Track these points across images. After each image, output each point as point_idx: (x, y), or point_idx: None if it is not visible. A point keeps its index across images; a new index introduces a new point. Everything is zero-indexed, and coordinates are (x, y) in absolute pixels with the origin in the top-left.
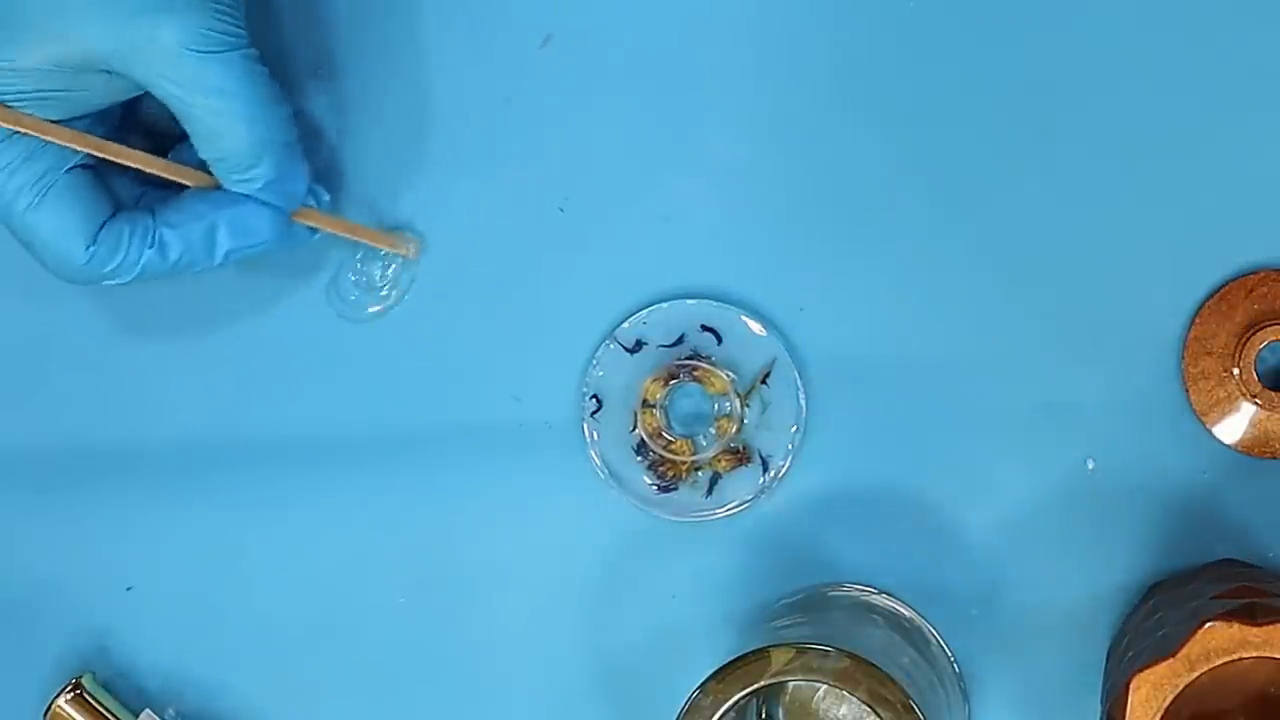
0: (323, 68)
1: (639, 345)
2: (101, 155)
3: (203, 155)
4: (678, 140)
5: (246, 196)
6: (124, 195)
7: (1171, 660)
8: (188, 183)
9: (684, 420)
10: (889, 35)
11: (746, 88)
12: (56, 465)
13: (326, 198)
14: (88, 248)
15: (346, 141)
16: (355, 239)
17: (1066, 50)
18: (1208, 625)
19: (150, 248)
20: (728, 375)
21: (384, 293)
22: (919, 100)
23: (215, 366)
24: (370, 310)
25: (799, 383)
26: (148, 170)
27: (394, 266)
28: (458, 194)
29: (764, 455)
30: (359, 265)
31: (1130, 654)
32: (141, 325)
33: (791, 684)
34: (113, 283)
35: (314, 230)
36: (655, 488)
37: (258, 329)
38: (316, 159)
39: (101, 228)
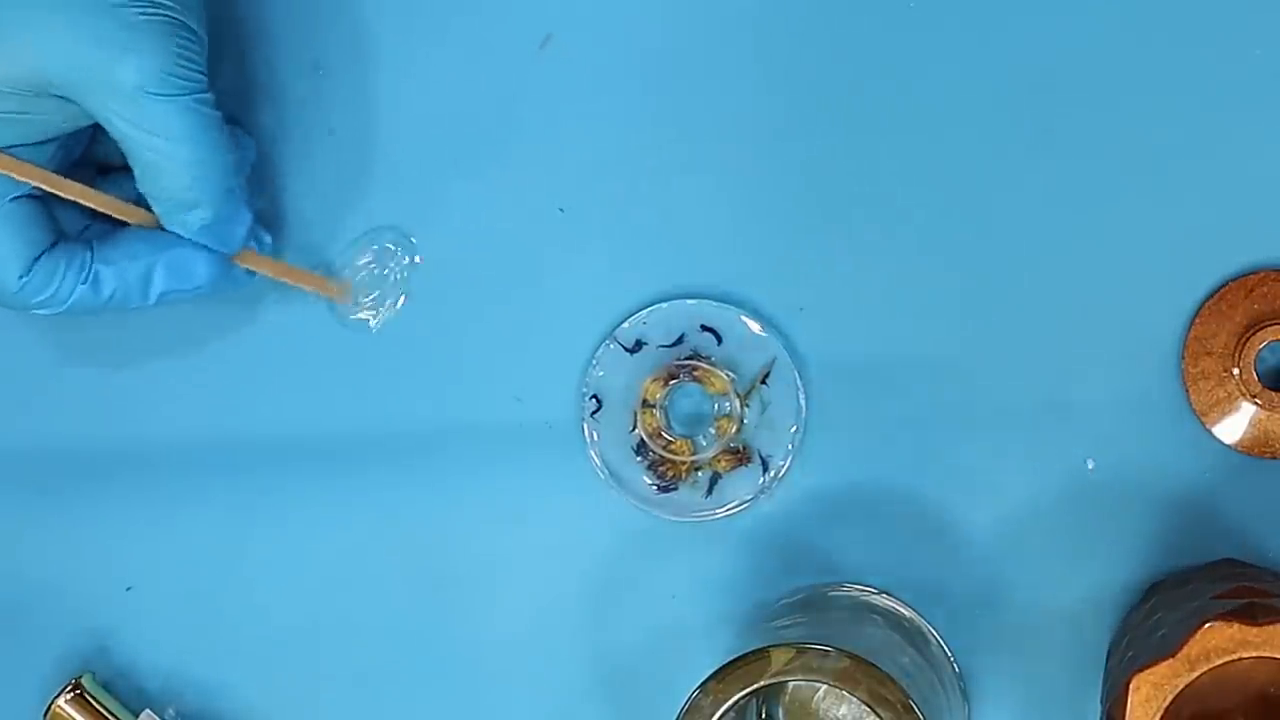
0: (321, 67)
1: (639, 345)
2: (48, 189)
3: (143, 190)
4: (678, 140)
5: (186, 239)
6: (68, 226)
7: (1171, 660)
8: (131, 221)
9: (684, 420)
10: (889, 35)
11: (747, 88)
12: (56, 466)
13: (268, 240)
14: (20, 277)
15: (344, 142)
16: (291, 283)
17: (1066, 51)
18: (1208, 625)
19: (84, 283)
20: (728, 375)
21: (381, 303)
22: (919, 100)
23: (216, 367)
24: (368, 318)
25: (799, 383)
26: (92, 206)
27: (392, 275)
28: (458, 194)
29: (764, 455)
30: (357, 270)
31: (1130, 654)
32: (142, 326)
33: (791, 684)
34: (43, 312)
35: (251, 273)
36: (655, 488)
37: (258, 330)
38: (315, 161)
39: (38, 258)
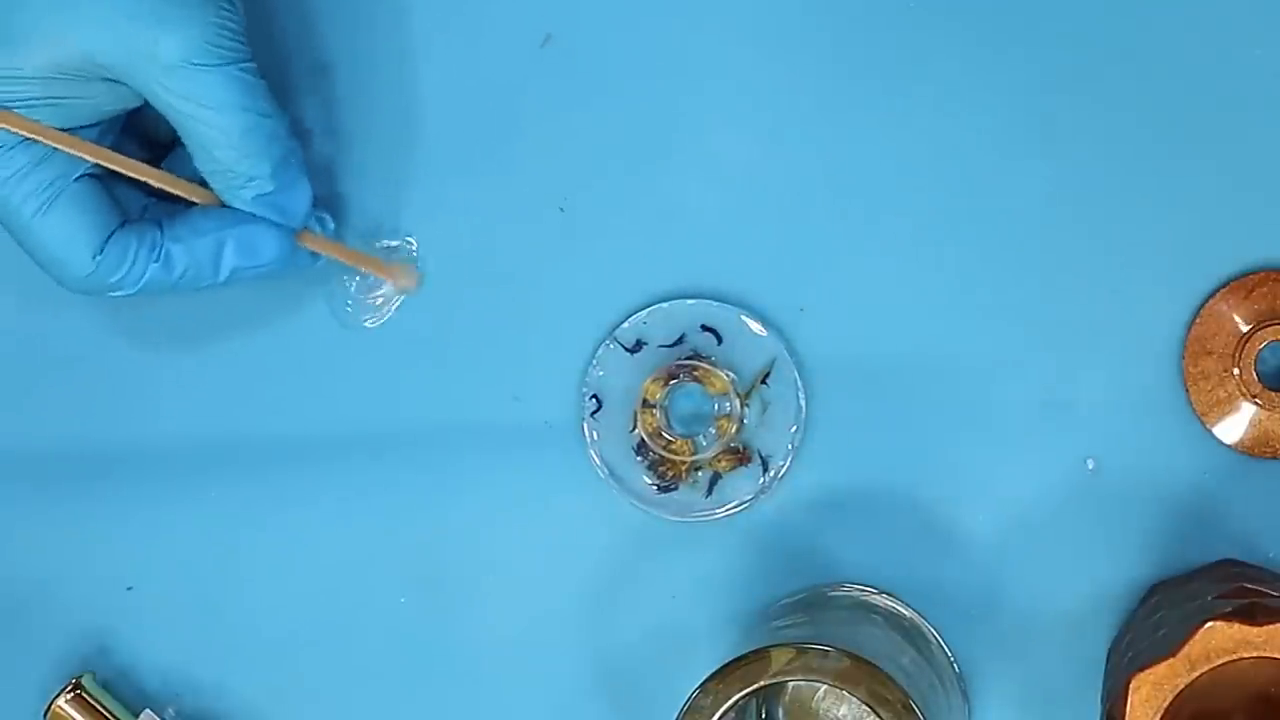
0: (321, 68)
1: (639, 345)
2: (112, 167)
3: (199, 166)
4: (678, 140)
5: (253, 216)
6: (129, 205)
7: (1171, 660)
8: (195, 199)
9: (684, 420)
10: (889, 34)
11: (747, 87)
12: (56, 465)
13: (331, 225)
14: (94, 257)
15: (345, 142)
16: (353, 265)
17: (1067, 50)
18: (1208, 625)
19: (156, 261)
20: (728, 375)
21: (380, 304)
22: (919, 99)
23: (215, 367)
24: (367, 321)
25: (799, 383)
26: (156, 184)
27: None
28: (458, 194)
29: (764, 455)
30: (356, 276)
31: (1130, 654)
32: (142, 326)
33: (791, 684)
34: (116, 294)
35: (316, 256)
36: (655, 488)
37: (258, 330)
38: (313, 164)
39: (109, 238)
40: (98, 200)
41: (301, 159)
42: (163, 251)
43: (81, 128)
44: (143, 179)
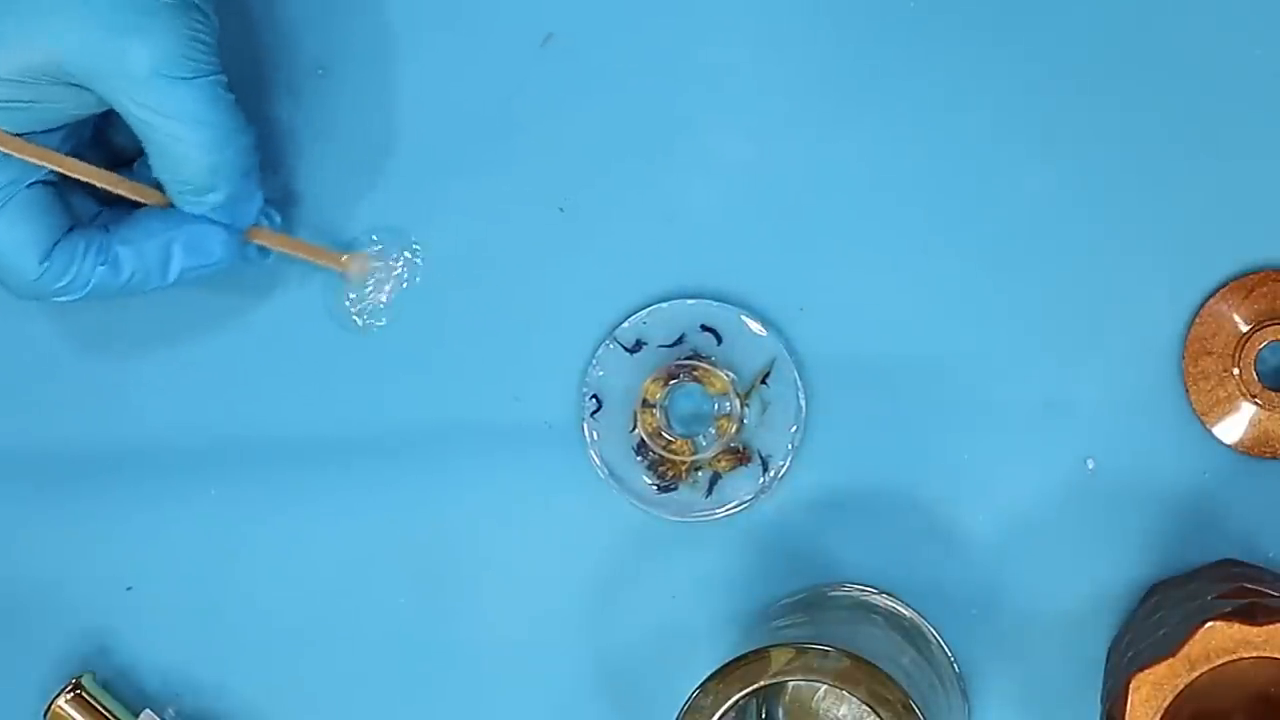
0: (321, 67)
1: (639, 345)
2: (61, 171)
3: (158, 176)
4: (678, 140)
5: (200, 216)
6: (82, 212)
7: (1171, 660)
8: (144, 200)
9: (684, 420)
10: (889, 34)
11: (747, 87)
12: (56, 465)
13: (278, 219)
14: (41, 263)
15: (345, 141)
16: (303, 257)
17: (1067, 50)
18: (1208, 625)
19: (103, 264)
20: (728, 375)
21: (381, 302)
22: (920, 99)
23: (215, 367)
24: (365, 323)
25: (799, 383)
26: (105, 187)
27: (391, 274)
28: (457, 194)
29: (764, 455)
30: (354, 276)
31: (1130, 654)
32: (142, 325)
33: (791, 684)
34: (64, 299)
35: (266, 252)
36: (655, 488)
37: (258, 329)
38: (315, 161)
39: (56, 244)
40: (49, 206)
41: (258, 171)
42: (110, 255)
43: (41, 132)
44: (94, 182)
